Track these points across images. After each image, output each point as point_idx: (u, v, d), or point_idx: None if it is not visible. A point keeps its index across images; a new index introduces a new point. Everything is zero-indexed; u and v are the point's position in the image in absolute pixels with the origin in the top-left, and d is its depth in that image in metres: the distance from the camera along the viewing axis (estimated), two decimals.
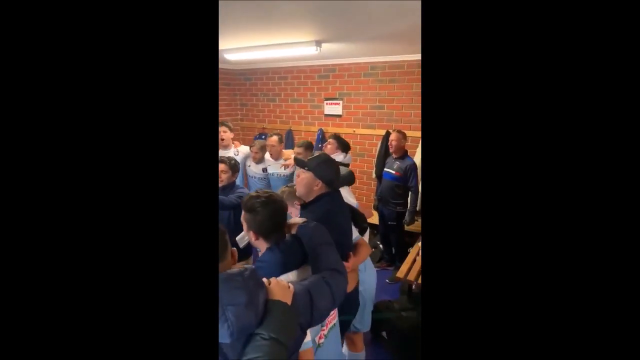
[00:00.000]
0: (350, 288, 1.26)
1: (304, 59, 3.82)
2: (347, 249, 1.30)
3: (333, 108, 3.97)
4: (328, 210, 1.24)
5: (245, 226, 1.07)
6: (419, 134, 3.32)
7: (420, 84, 2.98)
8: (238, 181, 2.30)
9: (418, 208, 2.89)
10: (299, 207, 1.39)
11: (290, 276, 0.99)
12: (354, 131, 3.88)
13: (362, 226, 1.61)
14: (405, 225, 2.92)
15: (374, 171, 3.71)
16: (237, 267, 0.77)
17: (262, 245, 1.06)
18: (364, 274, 1.62)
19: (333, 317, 1.13)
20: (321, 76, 3.95)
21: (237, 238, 1.26)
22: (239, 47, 2.88)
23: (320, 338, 1.05)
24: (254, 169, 2.81)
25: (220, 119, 3.75)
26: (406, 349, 2.00)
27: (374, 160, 3.69)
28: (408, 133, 3.03)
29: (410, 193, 2.82)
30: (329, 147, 2.64)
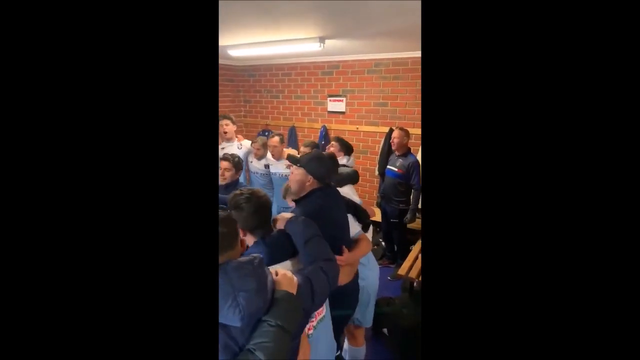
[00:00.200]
0: (345, 281, 1.29)
1: (308, 56, 3.81)
2: (343, 243, 1.31)
3: (336, 105, 3.96)
4: (320, 205, 1.27)
5: None
6: None
7: None
8: (241, 177, 2.31)
9: (420, 206, 2.89)
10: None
11: (286, 266, 1.04)
12: (357, 128, 3.87)
13: (365, 222, 1.62)
14: (407, 223, 2.92)
15: (376, 168, 3.70)
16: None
17: (250, 240, 1.12)
18: (367, 270, 1.62)
19: (322, 310, 1.15)
20: (325, 73, 3.94)
21: None
22: (243, 43, 2.88)
23: (309, 329, 1.07)
24: (256, 164, 2.82)
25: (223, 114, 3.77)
26: (407, 346, 2.01)
27: (377, 157, 3.68)
28: (411, 130, 3.01)
29: (412, 191, 2.82)
30: (332, 150, 2.64)
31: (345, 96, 3.88)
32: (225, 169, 2.09)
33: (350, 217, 1.51)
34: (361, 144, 3.89)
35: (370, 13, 1.87)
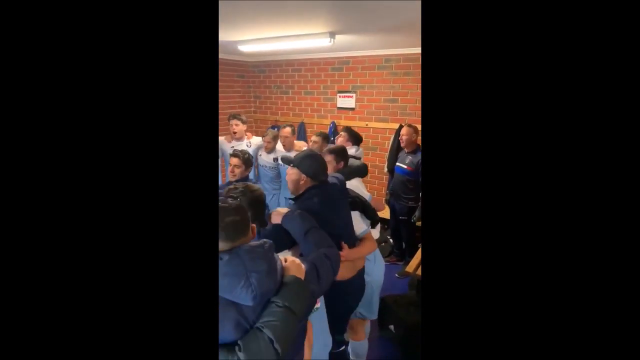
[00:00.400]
0: (346, 276, 1.31)
1: (318, 51, 3.80)
2: (342, 239, 1.32)
3: (346, 101, 3.94)
4: (316, 202, 1.29)
5: None
6: None
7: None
8: (250, 174, 2.32)
9: None
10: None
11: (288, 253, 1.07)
12: (367, 124, 3.85)
13: (373, 219, 1.62)
14: (416, 221, 2.90)
15: (386, 165, 3.68)
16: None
17: None
18: (372, 265, 1.63)
19: (317, 301, 1.16)
20: (334, 69, 3.92)
21: None
22: (253, 38, 2.88)
23: None
24: (265, 158, 2.84)
25: (234, 111, 3.80)
26: (413, 343, 2.00)
27: (387, 154, 3.66)
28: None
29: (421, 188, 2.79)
30: (340, 140, 2.64)
31: (355, 92, 3.86)
32: (235, 165, 2.09)
33: (357, 215, 1.51)
34: (370, 140, 3.87)
35: (381, 8, 1.85)
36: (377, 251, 1.70)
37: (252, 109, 4.79)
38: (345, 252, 1.29)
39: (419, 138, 2.86)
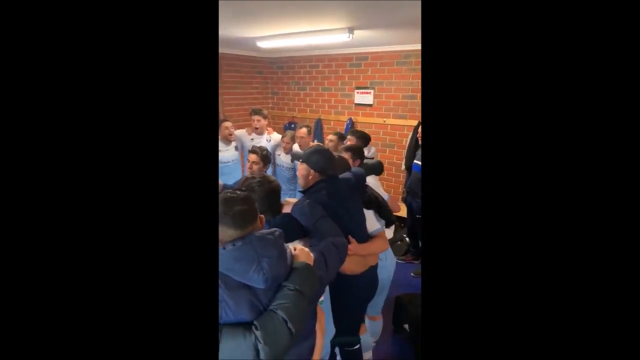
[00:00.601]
0: (355, 270, 1.32)
1: (336, 47, 3.78)
2: (351, 232, 1.32)
3: (364, 97, 3.91)
4: (324, 194, 1.31)
5: None
6: None
7: None
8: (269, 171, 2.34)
9: None
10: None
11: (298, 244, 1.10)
12: (385, 121, 3.80)
13: (388, 219, 1.62)
14: None
15: (403, 163, 3.63)
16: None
17: None
18: (384, 263, 1.64)
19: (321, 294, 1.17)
20: (352, 64, 3.89)
21: None
22: (272, 34, 2.89)
23: None
24: (283, 158, 2.86)
25: (251, 107, 3.84)
26: None
27: (404, 151, 3.61)
28: None
29: None
30: (348, 144, 2.63)
31: (373, 88, 3.82)
32: (253, 162, 2.09)
33: (371, 214, 1.52)
34: (388, 137, 3.83)
35: (400, 3, 1.82)
36: (389, 250, 1.70)
37: (270, 105, 4.82)
38: (353, 246, 1.30)
39: None
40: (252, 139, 2.84)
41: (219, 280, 0.77)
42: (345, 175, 1.49)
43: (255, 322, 0.74)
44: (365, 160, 1.99)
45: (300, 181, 1.44)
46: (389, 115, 3.78)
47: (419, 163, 2.80)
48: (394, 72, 3.62)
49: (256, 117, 2.84)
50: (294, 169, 2.84)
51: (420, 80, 3.46)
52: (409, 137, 3.53)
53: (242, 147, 2.92)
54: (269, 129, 2.99)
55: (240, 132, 2.91)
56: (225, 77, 4.07)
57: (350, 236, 1.31)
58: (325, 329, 1.19)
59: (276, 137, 2.96)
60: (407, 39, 3.13)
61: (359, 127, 3.87)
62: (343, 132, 3.93)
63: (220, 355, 0.71)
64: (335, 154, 1.58)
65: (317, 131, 4.23)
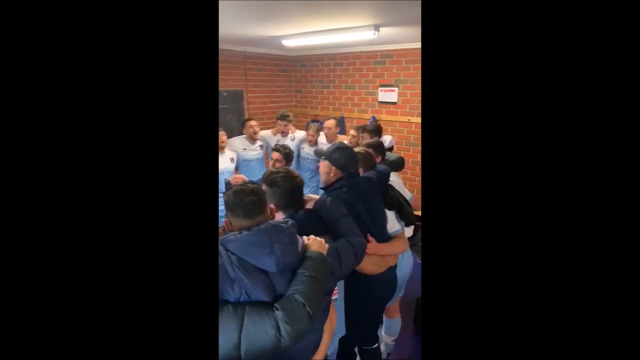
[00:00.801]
0: (373, 270, 1.32)
1: (361, 45, 3.75)
2: (369, 231, 1.31)
3: (388, 95, 3.86)
4: (344, 191, 1.31)
5: None
6: None
7: None
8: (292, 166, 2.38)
9: None
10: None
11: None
12: (409, 120, 3.75)
13: (409, 221, 1.60)
14: None
15: None
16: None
17: (279, 217, 1.17)
18: (400, 262, 1.63)
19: (335, 292, 1.17)
20: (377, 62, 3.85)
21: None
22: (297, 32, 2.91)
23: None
24: (307, 150, 2.92)
25: (276, 105, 3.89)
26: None
27: None
28: None
29: None
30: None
31: (397, 86, 3.76)
32: (276, 159, 2.15)
33: (392, 214, 1.51)
34: (412, 135, 3.77)
35: None
36: (408, 250, 1.69)
37: (293, 103, 4.86)
38: (372, 246, 1.29)
39: None
40: (278, 140, 2.91)
41: (237, 263, 0.81)
42: (368, 173, 1.49)
43: (275, 304, 0.79)
44: (387, 155, 1.97)
45: (322, 178, 1.46)
46: (413, 114, 3.72)
47: None
48: (419, 70, 3.55)
49: (283, 123, 2.92)
50: (318, 161, 2.86)
51: None
52: None
53: (267, 147, 2.98)
54: (292, 128, 3.05)
55: (265, 133, 2.98)
56: (249, 75, 4.14)
57: (369, 235, 1.31)
58: (335, 327, 1.20)
59: (300, 134, 3.01)
60: None
61: (382, 126, 3.83)
62: None
63: (245, 329, 0.75)
64: (356, 149, 1.58)
65: (340, 129, 4.22)
